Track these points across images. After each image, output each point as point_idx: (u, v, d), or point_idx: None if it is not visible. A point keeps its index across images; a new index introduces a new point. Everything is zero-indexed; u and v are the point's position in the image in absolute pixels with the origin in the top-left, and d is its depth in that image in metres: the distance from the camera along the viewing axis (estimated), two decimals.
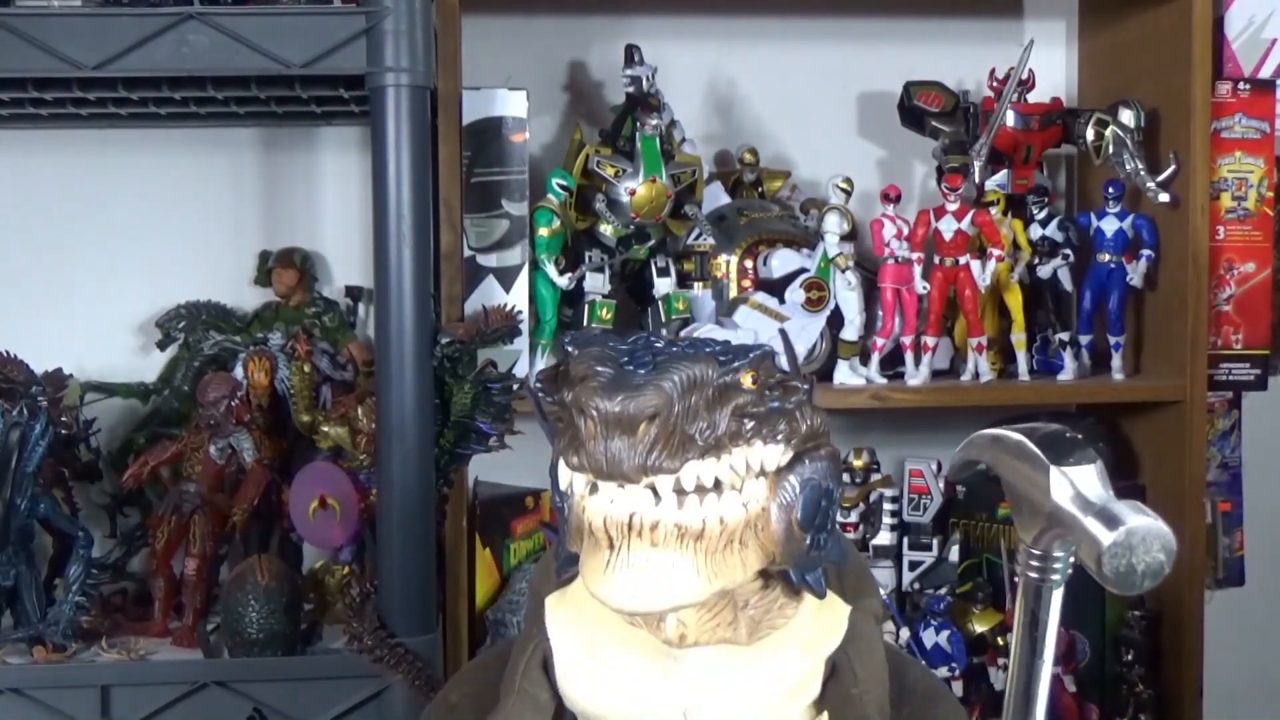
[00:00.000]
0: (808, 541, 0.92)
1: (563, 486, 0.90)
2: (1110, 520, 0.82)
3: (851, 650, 1.00)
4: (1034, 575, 0.89)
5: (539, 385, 0.94)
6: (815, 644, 0.99)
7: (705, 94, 2.26)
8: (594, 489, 0.87)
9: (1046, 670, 0.91)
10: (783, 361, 0.96)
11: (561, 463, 0.89)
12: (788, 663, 0.98)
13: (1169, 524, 0.82)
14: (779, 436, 0.90)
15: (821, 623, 1.00)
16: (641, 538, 0.86)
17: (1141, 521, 0.82)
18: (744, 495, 0.89)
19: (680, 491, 0.86)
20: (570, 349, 0.90)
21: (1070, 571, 0.89)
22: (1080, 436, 0.90)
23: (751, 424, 0.88)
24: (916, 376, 2.02)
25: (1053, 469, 0.86)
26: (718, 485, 0.88)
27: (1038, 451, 0.87)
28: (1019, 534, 0.90)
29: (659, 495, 0.86)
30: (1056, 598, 0.90)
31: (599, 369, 0.86)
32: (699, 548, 0.86)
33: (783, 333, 1.05)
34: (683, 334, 1.98)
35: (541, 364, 1.94)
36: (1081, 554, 0.84)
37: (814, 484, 0.92)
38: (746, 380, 0.89)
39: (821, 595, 0.96)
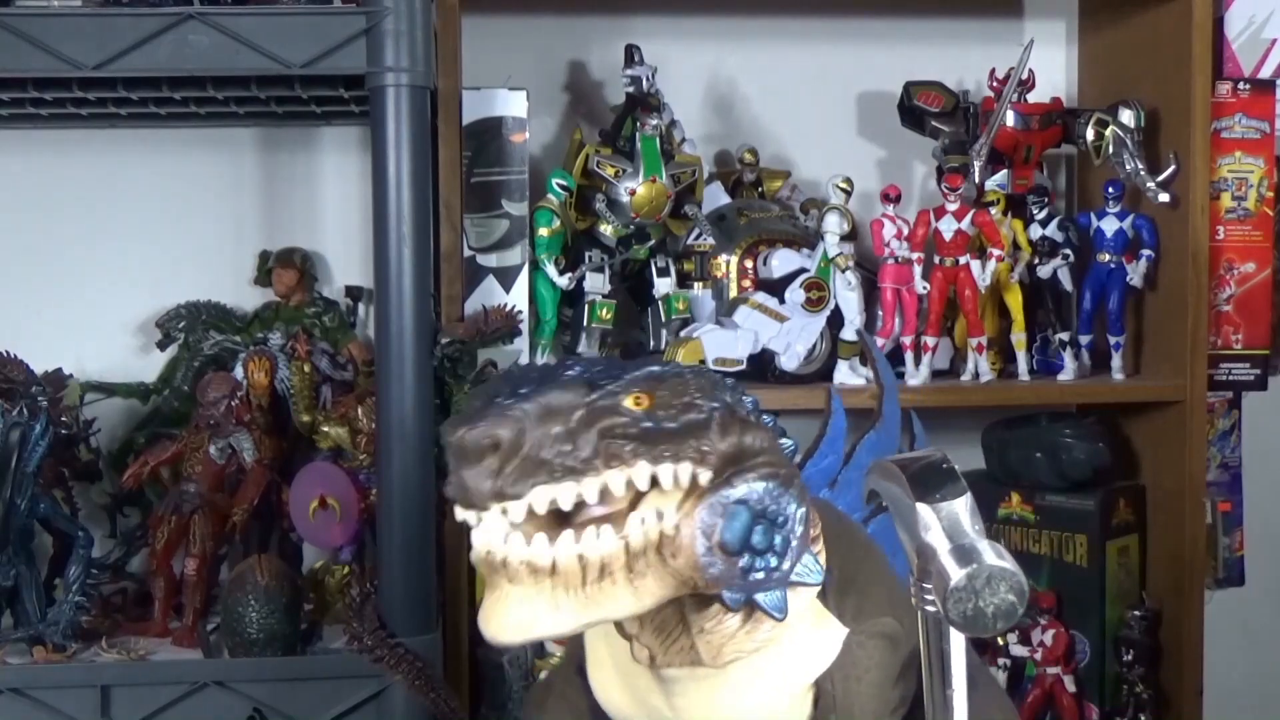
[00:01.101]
0: (742, 564, 0.89)
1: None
2: (963, 558, 0.82)
3: (837, 676, 0.99)
4: (930, 609, 0.87)
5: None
6: (797, 670, 0.98)
7: (705, 94, 2.26)
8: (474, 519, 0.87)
9: (960, 700, 0.90)
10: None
11: None
12: (766, 688, 0.98)
13: (1169, 524, 0.82)
14: (684, 456, 0.88)
15: (811, 647, 0.99)
16: (497, 574, 0.86)
17: (991, 563, 0.82)
18: (626, 527, 0.87)
19: (532, 518, 0.85)
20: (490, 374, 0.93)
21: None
22: (956, 468, 0.89)
23: (631, 445, 0.86)
24: (916, 376, 2.02)
25: (919, 505, 0.86)
26: (579, 510, 0.87)
27: (906, 486, 0.87)
28: (909, 564, 0.89)
29: (511, 529, 0.85)
30: (955, 630, 0.88)
31: (471, 404, 0.88)
32: (555, 583, 0.85)
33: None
34: (682, 334, 1.98)
35: (541, 364, 1.94)
36: (935, 593, 0.84)
37: (744, 505, 0.89)
38: (628, 402, 0.87)
39: (780, 617, 0.94)
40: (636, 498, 0.88)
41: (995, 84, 2.14)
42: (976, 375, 2.05)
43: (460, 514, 0.87)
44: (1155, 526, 2.10)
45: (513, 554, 0.85)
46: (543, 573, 0.85)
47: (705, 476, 0.89)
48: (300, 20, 1.59)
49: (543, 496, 0.85)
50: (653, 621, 0.95)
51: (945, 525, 0.85)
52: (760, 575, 0.90)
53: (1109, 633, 2.07)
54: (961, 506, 0.86)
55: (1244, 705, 2.28)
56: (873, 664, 1.01)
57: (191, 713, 1.64)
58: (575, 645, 1.06)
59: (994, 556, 0.82)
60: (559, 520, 0.87)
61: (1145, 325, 2.15)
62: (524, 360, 1.91)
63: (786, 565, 0.91)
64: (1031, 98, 2.15)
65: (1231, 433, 2.25)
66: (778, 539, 0.91)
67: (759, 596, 0.92)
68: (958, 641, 0.89)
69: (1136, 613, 2.05)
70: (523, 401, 0.85)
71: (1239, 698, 2.25)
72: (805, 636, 0.99)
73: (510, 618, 0.86)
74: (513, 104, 1.94)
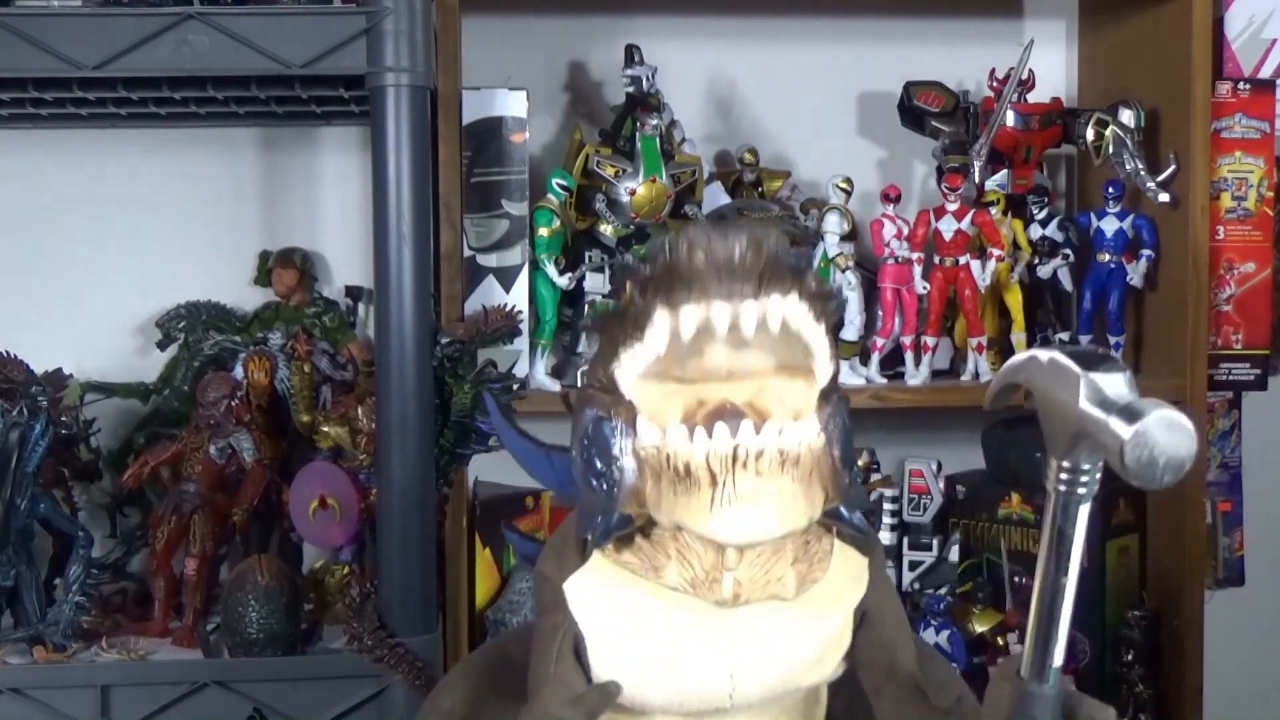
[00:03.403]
0: (846, 479, 0.94)
1: (618, 449, 0.92)
2: (1133, 415, 0.84)
3: (874, 596, 1.01)
4: (1063, 489, 0.90)
5: (588, 326, 1.00)
6: (847, 595, 1.01)
7: (705, 94, 2.26)
8: (689, 432, 0.89)
9: (1071, 587, 0.91)
10: None
11: (619, 425, 0.92)
12: (825, 614, 0.99)
13: (1169, 524, 0.83)
14: (832, 345, 0.94)
15: (850, 572, 1.01)
16: (747, 468, 0.88)
17: (1163, 412, 0.83)
18: (808, 425, 0.91)
19: (784, 368, 0.91)
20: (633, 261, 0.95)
21: (1097, 487, 0.90)
22: (1114, 353, 0.92)
23: (821, 304, 0.92)
24: (916, 376, 2.02)
25: (1082, 375, 0.87)
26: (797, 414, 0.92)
27: (1069, 362, 0.89)
28: (1050, 453, 0.91)
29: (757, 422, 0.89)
30: (1083, 514, 0.90)
31: (690, 231, 0.90)
32: (796, 475, 0.89)
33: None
34: None
35: (541, 364, 1.94)
36: (1107, 452, 0.85)
37: (841, 421, 0.94)
38: (810, 273, 0.92)
39: (864, 532, 0.98)
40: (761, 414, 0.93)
41: (995, 84, 2.14)
42: (976, 375, 2.05)
43: (667, 422, 0.91)
44: (1155, 526, 2.10)
45: (770, 443, 0.88)
46: (790, 462, 0.88)
47: (828, 376, 0.95)
48: (300, 20, 1.59)
49: (792, 307, 0.90)
50: (759, 551, 0.95)
51: (1113, 392, 0.86)
52: (855, 491, 0.96)
53: (1109, 632, 2.07)
54: (1124, 378, 0.88)
55: (1244, 705, 2.28)
56: (891, 588, 1.05)
57: (191, 713, 1.64)
58: (555, 628, 1.00)
59: (1167, 408, 0.84)
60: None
61: (1145, 325, 2.15)
62: (524, 361, 1.91)
63: (857, 487, 0.97)
64: (1031, 98, 2.15)
65: (1231, 433, 2.25)
66: (854, 455, 0.96)
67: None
68: (1080, 527, 0.91)
69: (1136, 613, 2.05)
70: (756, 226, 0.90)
71: (1239, 698, 2.25)
72: (843, 563, 1.01)
73: (766, 511, 0.88)
74: (513, 104, 1.94)
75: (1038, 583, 0.93)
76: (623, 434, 0.93)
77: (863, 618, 1.01)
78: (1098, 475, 0.90)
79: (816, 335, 0.92)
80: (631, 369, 0.93)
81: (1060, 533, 0.91)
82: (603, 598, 0.99)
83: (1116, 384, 0.87)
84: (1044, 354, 0.91)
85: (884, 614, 1.02)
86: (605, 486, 0.94)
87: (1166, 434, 0.83)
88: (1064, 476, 0.90)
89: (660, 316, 0.90)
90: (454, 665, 1.81)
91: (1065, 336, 2.10)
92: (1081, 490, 0.90)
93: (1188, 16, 1.99)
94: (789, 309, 0.89)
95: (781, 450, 0.88)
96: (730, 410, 0.92)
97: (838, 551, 1.00)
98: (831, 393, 0.94)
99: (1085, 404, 0.86)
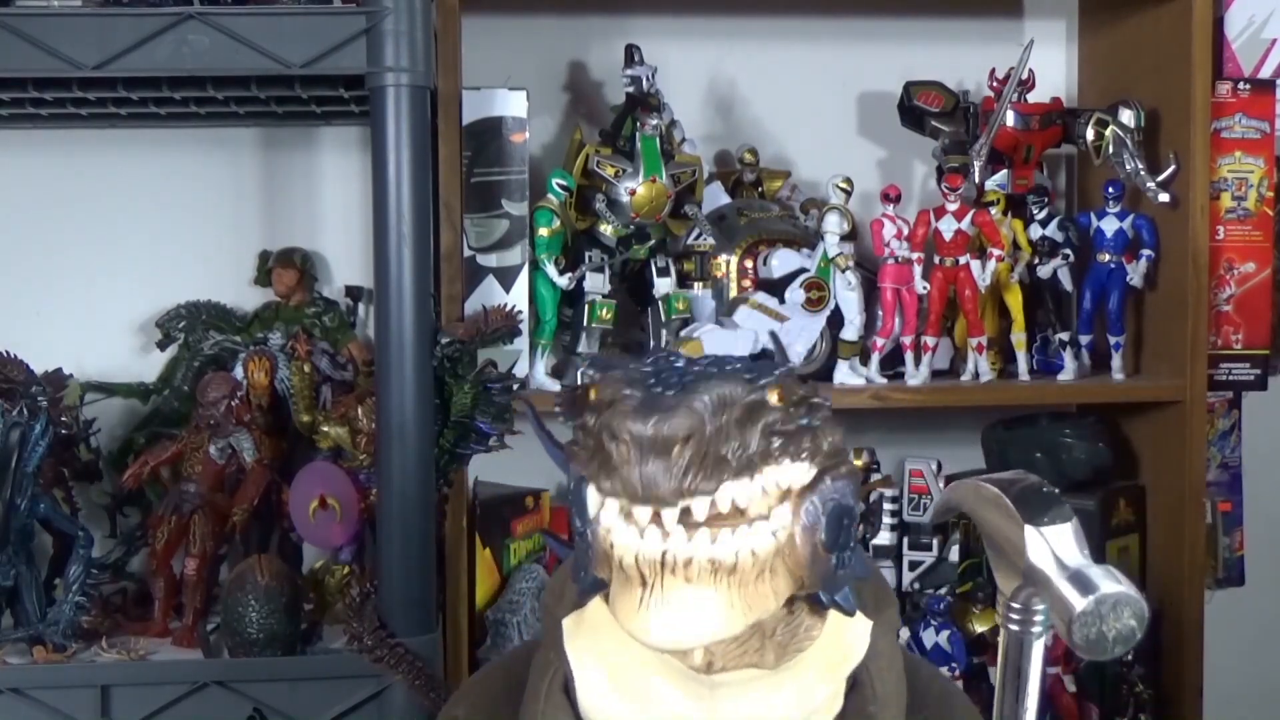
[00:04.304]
0: (833, 562, 0.89)
1: (591, 514, 0.88)
2: (1084, 586, 0.83)
3: (872, 667, 0.99)
4: (1014, 628, 0.89)
5: (558, 408, 0.91)
6: (839, 662, 0.98)
7: (705, 94, 2.26)
8: (627, 517, 0.85)
9: (1030, 718, 0.91)
10: None
11: (590, 488, 0.87)
12: (813, 684, 0.96)
13: (1169, 524, 0.83)
14: (804, 455, 0.87)
15: (845, 640, 0.99)
16: (675, 574, 0.84)
17: (1113, 589, 0.83)
18: (772, 523, 0.86)
19: (716, 518, 0.84)
20: (592, 373, 0.88)
21: (1051, 627, 0.88)
22: (1057, 491, 0.89)
23: (779, 442, 0.85)
24: (916, 376, 2.02)
25: (1028, 528, 0.86)
26: (744, 513, 0.85)
27: (1014, 509, 0.87)
28: (999, 584, 0.90)
29: (690, 529, 0.83)
30: (1038, 649, 0.90)
31: (627, 391, 0.84)
32: (732, 581, 0.84)
33: (773, 335, 1.03)
34: (682, 334, 1.98)
35: (541, 364, 1.94)
36: (1054, 617, 0.84)
37: (836, 503, 0.89)
38: (773, 398, 0.86)
39: (852, 613, 0.94)
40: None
41: (995, 84, 2.14)
42: (976, 375, 2.05)
43: (607, 509, 0.85)
44: (1155, 526, 2.10)
45: (700, 551, 0.83)
46: (724, 571, 0.84)
47: (812, 474, 0.88)
48: (300, 20, 1.59)
49: (727, 494, 0.83)
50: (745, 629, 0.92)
51: (1058, 551, 0.85)
52: (843, 572, 0.90)
53: None
54: (1069, 530, 0.86)
55: (1244, 705, 2.28)
56: (895, 653, 1.02)
57: (191, 713, 1.64)
58: (548, 665, 1.00)
59: (1114, 583, 0.83)
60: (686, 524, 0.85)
61: (1145, 325, 2.15)
62: (524, 361, 1.91)
63: (855, 560, 0.92)
64: (1031, 98, 2.15)
65: (1231, 433, 2.25)
66: (854, 536, 0.91)
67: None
68: (1036, 661, 0.89)
69: None
70: (695, 393, 0.82)
71: (1239, 698, 2.25)
72: (841, 631, 0.99)
73: (687, 620, 0.83)
74: (513, 104, 1.94)
75: (996, 715, 0.92)
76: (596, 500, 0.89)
77: (853, 684, 0.98)
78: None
79: (779, 475, 0.86)
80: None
81: (1016, 669, 0.90)
82: (594, 645, 0.97)
83: (1065, 539, 0.85)
84: (990, 490, 0.90)
85: (873, 685, 0.98)
86: (583, 545, 0.91)
87: (1115, 612, 0.82)
88: (1015, 617, 0.88)
89: (591, 493, 0.87)
90: (461, 665, 1.83)
91: (1065, 336, 2.10)
92: (1035, 629, 0.89)
93: (1188, 16, 1.99)
94: (724, 496, 0.83)
95: (713, 560, 0.83)
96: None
97: (835, 619, 0.97)
98: (826, 473, 0.89)
99: (1033, 558, 0.85)
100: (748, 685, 0.95)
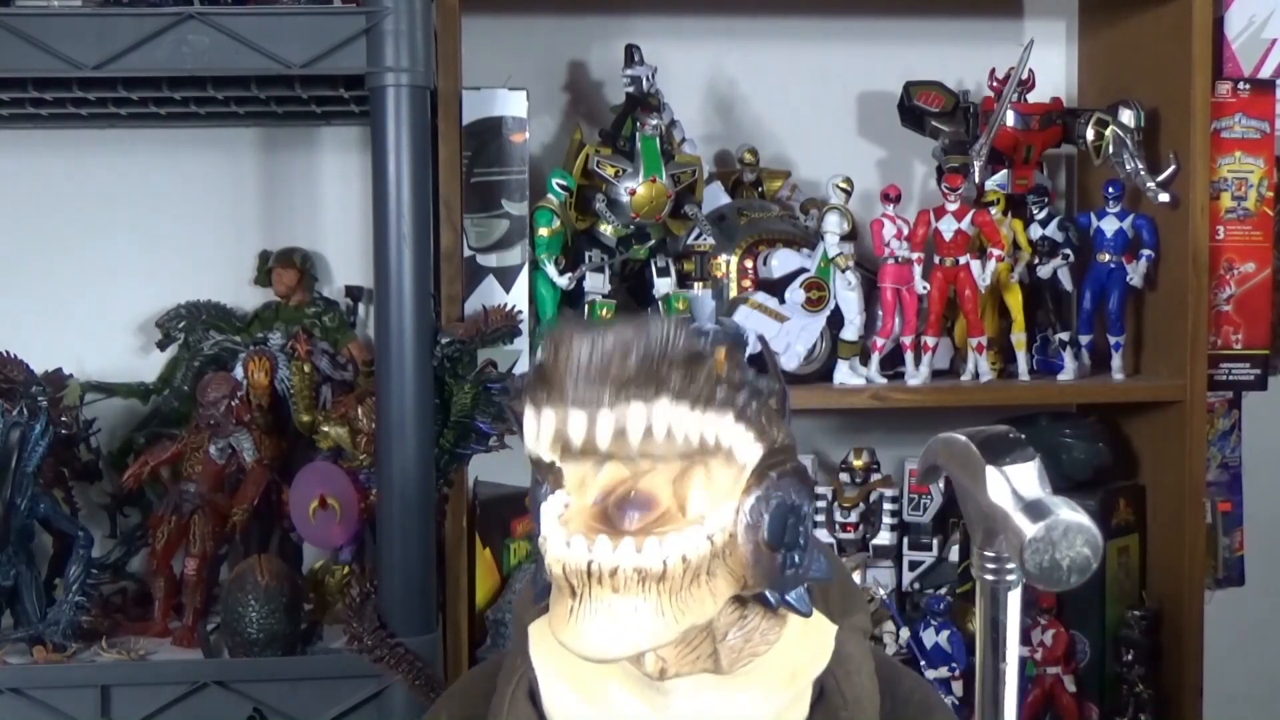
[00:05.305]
0: (779, 560, 0.88)
1: (542, 530, 0.87)
2: (1036, 514, 0.83)
3: (839, 672, 0.98)
4: (989, 578, 0.89)
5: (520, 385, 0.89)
6: (801, 668, 0.97)
7: (705, 94, 2.26)
8: (564, 451, 0.83)
9: (1012, 672, 0.90)
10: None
11: (528, 409, 0.84)
12: (771, 690, 0.96)
13: (1169, 524, 0.83)
14: (748, 419, 0.85)
15: (808, 645, 0.98)
16: (602, 584, 0.83)
17: (1066, 516, 0.82)
18: (707, 526, 0.85)
19: (652, 524, 0.83)
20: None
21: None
22: (1023, 437, 0.89)
23: (724, 391, 0.83)
24: (916, 376, 2.02)
25: (989, 469, 0.86)
26: (683, 513, 0.85)
27: (977, 452, 0.87)
28: (972, 538, 0.90)
29: (615, 538, 0.83)
30: (1014, 599, 0.89)
31: (569, 330, 0.83)
32: (662, 589, 0.83)
33: (761, 338, 1.02)
34: None
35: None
36: (1010, 549, 0.84)
37: (780, 501, 0.88)
38: (720, 354, 0.84)
39: (806, 614, 0.93)
40: (680, 498, 0.86)
41: (995, 84, 2.14)
42: (976, 375, 2.05)
43: (548, 523, 0.84)
44: (1155, 526, 2.10)
45: (625, 560, 0.82)
46: (651, 579, 0.83)
47: (757, 455, 0.87)
48: (300, 20, 1.60)
49: (663, 414, 0.81)
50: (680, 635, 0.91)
51: (1016, 485, 0.85)
52: (792, 572, 0.90)
53: (1109, 633, 2.07)
54: (1031, 469, 0.86)
55: (1244, 705, 2.28)
56: (864, 657, 1.01)
57: (191, 713, 1.65)
58: (514, 670, 1.00)
59: (1069, 511, 0.83)
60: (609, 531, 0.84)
61: (1145, 325, 2.15)
62: (524, 361, 1.91)
63: (808, 561, 0.91)
64: (1031, 98, 2.14)
65: (1231, 433, 2.25)
66: (802, 534, 0.90)
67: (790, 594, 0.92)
68: (1013, 613, 0.89)
69: (1136, 613, 2.05)
70: (640, 324, 0.82)
71: (1239, 698, 2.25)
72: (804, 635, 0.98)
73: (616, 629, 0.83)
74: (513, 104, 1.94)
75: (979, 672, 0.91)
76: (547, 503, 0.89)
77: (820, 691, 0.97)
78: None
79: (721, 427, 0.84)
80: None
81: (994, 622, 0.90)
82: (556, 650, 0.95)
83: (1026, 477, 0.85)
84: (958, 440, 0.90)
85: (841, 691, 0.97)
86: (538, 552, 0.90)
87: (1066, 539, 0.82)
88: (989, 566, 0.88)
89: (528, 414, 0.85)
90: (462, 665, 1.83)
91: (1065, 336, 2.10)
92: (1009, 578, 0.88)
93: (1188, 16, 1.99)
94: (660, 414, 0.81)
95: (639, 569, 0.83)
96: (631, 501, 0.86)
97: (796, 623, 0.96)
98: (770, 469, 0.87)
99: (993, 496, 0.85)
100: (700, 691, 0.95)
